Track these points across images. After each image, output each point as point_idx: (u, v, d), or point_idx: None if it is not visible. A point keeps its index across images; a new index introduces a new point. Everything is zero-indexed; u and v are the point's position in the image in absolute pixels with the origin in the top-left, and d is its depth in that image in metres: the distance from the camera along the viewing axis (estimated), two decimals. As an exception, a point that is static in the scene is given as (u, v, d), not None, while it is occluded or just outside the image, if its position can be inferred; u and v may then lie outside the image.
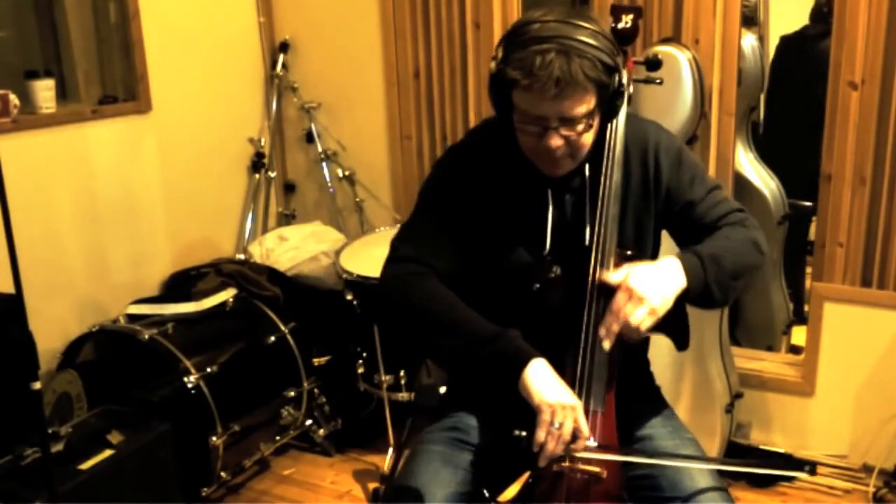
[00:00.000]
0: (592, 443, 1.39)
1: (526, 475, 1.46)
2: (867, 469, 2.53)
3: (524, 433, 1.36)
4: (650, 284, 1.36)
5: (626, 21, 1.50)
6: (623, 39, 1.51)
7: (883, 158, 2.37)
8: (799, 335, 3.01)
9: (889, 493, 2.44)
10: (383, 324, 2.53)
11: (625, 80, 1.40)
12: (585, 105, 1.36)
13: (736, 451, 2.59)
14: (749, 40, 2.99)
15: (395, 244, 1.54)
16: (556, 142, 1.39)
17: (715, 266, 1.40)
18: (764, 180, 3.11)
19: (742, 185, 2.97)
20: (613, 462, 1.40)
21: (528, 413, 1.36)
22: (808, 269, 2.88)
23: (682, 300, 1.40)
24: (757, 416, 2.70)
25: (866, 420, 2.54)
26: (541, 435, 1.33)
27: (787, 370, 2.70)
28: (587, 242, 1.46)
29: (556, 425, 1.33)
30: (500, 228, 1.51)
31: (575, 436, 1.35)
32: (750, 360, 2.77)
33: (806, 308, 2.90)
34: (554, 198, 1.49)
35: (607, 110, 1.42)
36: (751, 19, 3.26)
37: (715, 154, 2.58)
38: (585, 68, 1.32)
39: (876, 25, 2.30)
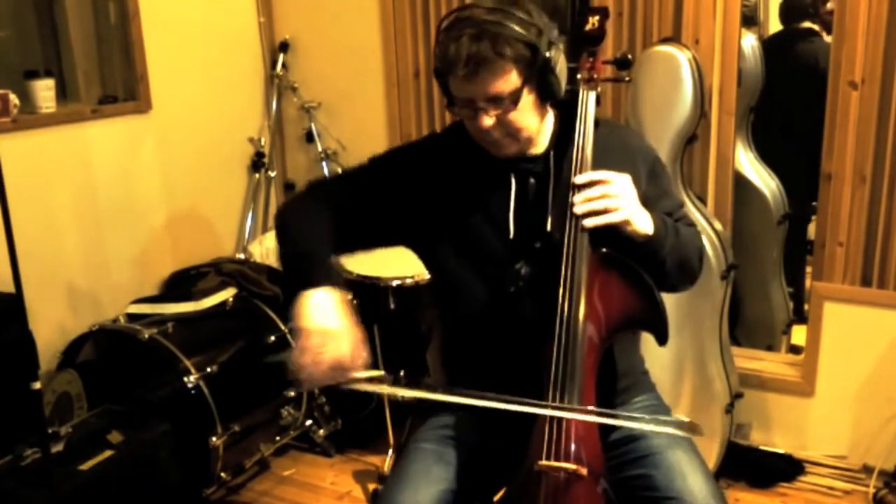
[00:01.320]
0: (362, 374, 1.38)
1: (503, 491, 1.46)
2: (867, 469, 2.53)
3: (280, 359, 1.35)
4: (631, 194, 1.40)
5: (593, 23, 1.51)
6: (590, 41, 1.52)
7: (883, 158, 2.37)
8: (799, 335, 3.00)
9: (889, 494, 2.44)
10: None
11: (551, 56, 1.40)
12: (506, 82, 1.38)
13: (736, 451, 2.59)
14: (749, 40, 2.99)
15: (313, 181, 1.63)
16: (485, 122, 1.41)
17: (675, 237, 1.46)
18: (764, 180, 3.11)
19: (742, 185, 2.97)
20: (593, 459, 1.35)
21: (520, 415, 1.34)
22: (809, 269, 2.88)
23: (634, 245, 1.41)
24: (757, 416, 2.70)
25: (866, 420, 2.54)
26: (295, 354, 1.34)
27: (787, 370, 2.70)
28: (549, 228, 1.47)
29: (317, 349, 1.33)
30: (465, 216, 1.52)
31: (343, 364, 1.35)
32: (750, 359, 2.76)
33: (806, 308, 2.90)
34: (517, 182, 1.51)
35: (541, 88, 1.43)
36: (751, 19, 3.27)
37: (715, 154, 2.58)
38: (498, 46, 1.35)
39: (876, 25, 2.29)
